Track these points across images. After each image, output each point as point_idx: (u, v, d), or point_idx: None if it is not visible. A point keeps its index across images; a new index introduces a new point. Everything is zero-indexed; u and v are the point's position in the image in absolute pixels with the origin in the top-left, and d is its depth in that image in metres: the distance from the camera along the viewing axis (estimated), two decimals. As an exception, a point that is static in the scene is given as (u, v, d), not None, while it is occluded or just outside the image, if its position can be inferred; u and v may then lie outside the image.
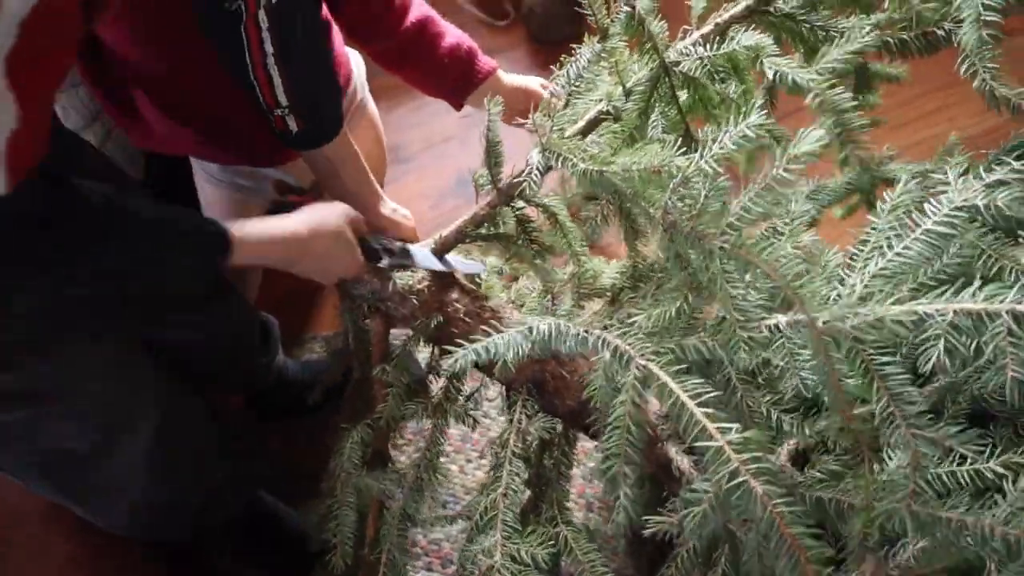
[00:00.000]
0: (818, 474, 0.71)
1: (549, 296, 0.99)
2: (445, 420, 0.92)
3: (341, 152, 0.97)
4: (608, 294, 1.08)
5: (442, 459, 1.38)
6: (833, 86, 0.75)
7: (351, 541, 0.83)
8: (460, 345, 0.94)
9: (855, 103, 0.73)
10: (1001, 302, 0.57)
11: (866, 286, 0.62)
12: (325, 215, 0.90)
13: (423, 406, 0.92)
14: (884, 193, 0.68)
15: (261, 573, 1.28)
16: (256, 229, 0.82)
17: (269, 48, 0.79)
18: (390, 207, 1.06)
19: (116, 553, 1.29)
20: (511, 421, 0.89)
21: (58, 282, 0.68)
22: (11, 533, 1.33)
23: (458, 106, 1.18)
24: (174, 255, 0.76)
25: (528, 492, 0.94)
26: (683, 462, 0.84)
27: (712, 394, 0.64)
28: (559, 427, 0.93)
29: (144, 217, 0.73)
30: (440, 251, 0.97)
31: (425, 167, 1.80)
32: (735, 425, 0.62)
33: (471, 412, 0.95)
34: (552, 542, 0.81)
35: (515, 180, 0.92)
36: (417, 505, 0.86)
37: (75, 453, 0.92)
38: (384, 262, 0.96)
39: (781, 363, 0.67)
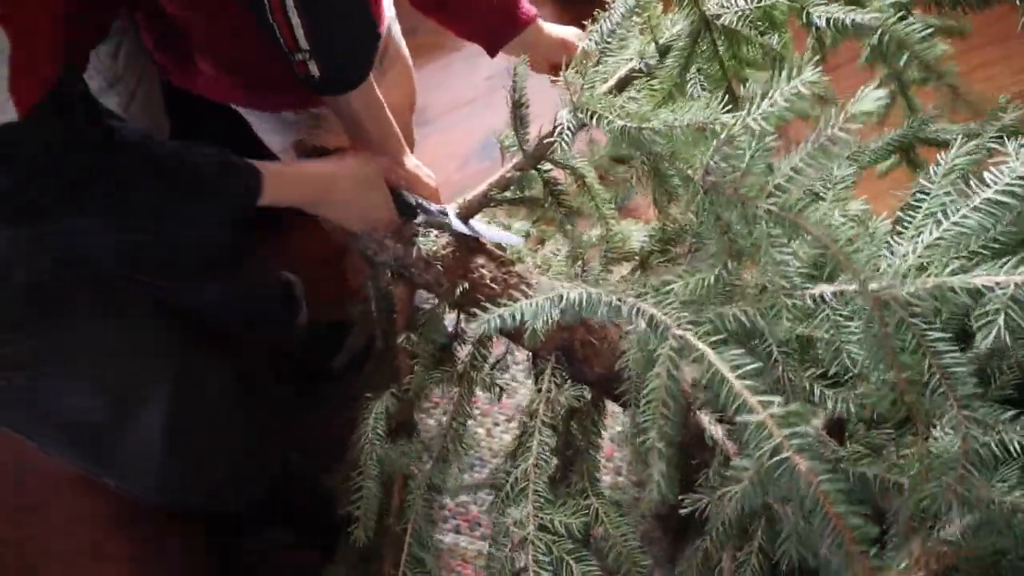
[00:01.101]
0: (860, 448, 0.68)
1: (577, 260, 0.95)
2: (471, 388, 0.89)
3: (366, 99, 0.93)
4: (637, 258, 1.05)
5: (469, 422, 1.38)
6: (902, 19, 0.70)
7: (374, 515, 0.81)
8: (486, 311, 0.93)
9: (931, 30, 0.68)
10: (1067, 273, 0.54)
11: (919, 256, 0.58)
12: (359, 161, 0.92)
13: (448, 374, 0.90)
14: (937, 156, 0.64)
15: (286, 534, 1.27)
16: (287, 167, 0.85)
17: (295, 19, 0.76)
18: (413, 162, 1.03)
19: (151, 518, 1.28)
20: (540, 390, 0.87)
21: (87, 219, 0.69)
22: (47, 498, 1.33)
23: (493, 52, 1.14)
24: (211, 189, 0.77)
25: (556, 461, 0.92)
26: (717, 431, 0.82)
27: (753, 366, 0.62)
28: (588, 395, 0.91)
29: (179, 152, 0.74)
30: (465, 215, 0.94)
31: (450, 129, 1.76)
32: (777, 398, 0.59)
33: (497, 381, 0.93)
34: (584, 512, 0.79)
35: (544, 141, 0.88)
36: (443, 475, 0.84)
37: (92, 424, 0.91)
38: (419, 219, 0.93)
39: (825, 336, 0.64)
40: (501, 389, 0.94)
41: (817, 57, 0.78)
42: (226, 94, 1.06)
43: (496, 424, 1.39)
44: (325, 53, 0.83)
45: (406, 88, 1.26)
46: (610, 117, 0.74)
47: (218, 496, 1.16)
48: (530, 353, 0.94)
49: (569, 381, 0.91)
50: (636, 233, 1.06)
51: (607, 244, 1.02)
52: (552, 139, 0.85)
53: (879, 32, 0.68)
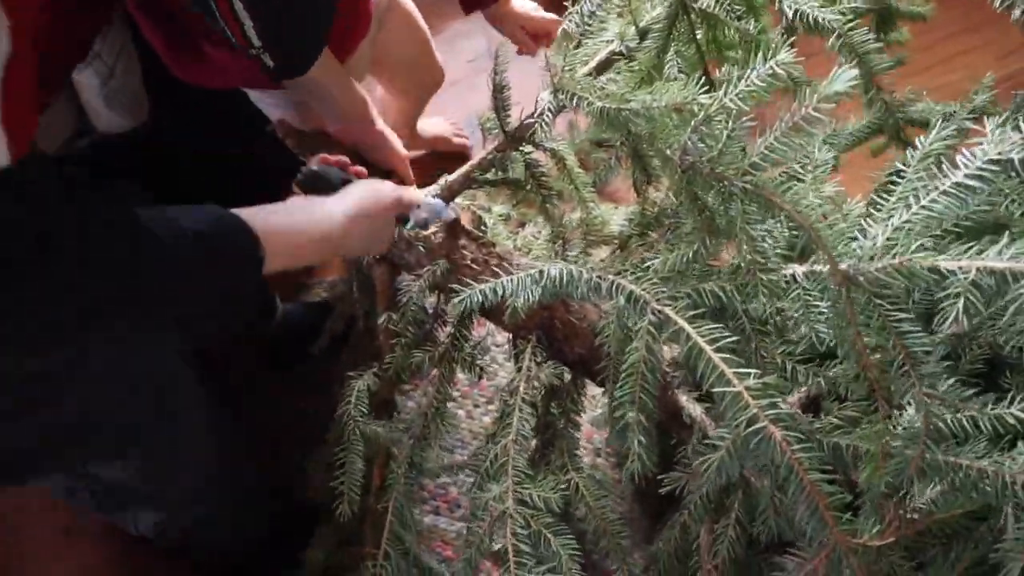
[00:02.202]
0: (834, 420, 0.70)
1: (557, 243, 0.97)
2: (451, 369, 0.90)
3: (324, 70, 0.93)
4: (616, 241, 1.06)
5: (449, 404, 1.39)
6: (856, 27, 0.72)
7: (358, 489, 0.82)
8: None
9: (879, 45, 0.71)
10: (1027, 261, 0.56)
11: (888, 238, 0.60)
12: (374, 201, 0.83)
13: (429, 355, 0.91)
14: (917, 139, 0.66)
15: None
16: (284, 239, 0.74)
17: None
18: (381, 125, 1.02)
19: (138, 562, 1.24)
20: (520, 368, 0.88)
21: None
22: (32, 537, 1.31)
23: (467, 9, 1.17)
24: (214, 277, 0.69)
25: (535, 440, 0.93)
26: (694, 410, 0.83)
27: (730, 339, 0.63)
28: (567, 375, 0.92)
29: (179, 233, 0.65)
30: (447, 196, 0.95)
31: (433, 111, 1.76)
32: (753, 371, 0.61)
33: (477, 361, 0.94)
34: (563, 487, 0.81)
35: (525, 123, 0.89)
36: (424, 454, 0.85)
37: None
38: (409, 225, 0.93)
39: (796, 314, 0.65)
40: (481, 370, 0.95)
41: (791, 40, 0.79)
42: (241, 79, 1.05)
43: (476, 406, 1.40)
44: (278, 45, 0.83)
45: (411, 36, 1.28)
46: (590, 98, 0.75)
47: (222, 537, 1.11)
48: (510, 334, 0.95)
49: (549, 361, 0.92)
50: (615, 217, 1.07)
51: (587, 227, 1.03)
52: (533, 120, 0.86)
53: (836, 34, 0.70)
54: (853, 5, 0.74)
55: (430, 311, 0.97)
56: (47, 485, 0.90)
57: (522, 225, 1.16)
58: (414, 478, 0.88)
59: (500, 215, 1.09)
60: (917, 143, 0.66)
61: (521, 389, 0.85)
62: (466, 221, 1.16)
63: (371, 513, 0.91)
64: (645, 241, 1.04)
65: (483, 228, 1.10)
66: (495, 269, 0.91)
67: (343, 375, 0.96)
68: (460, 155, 1.46)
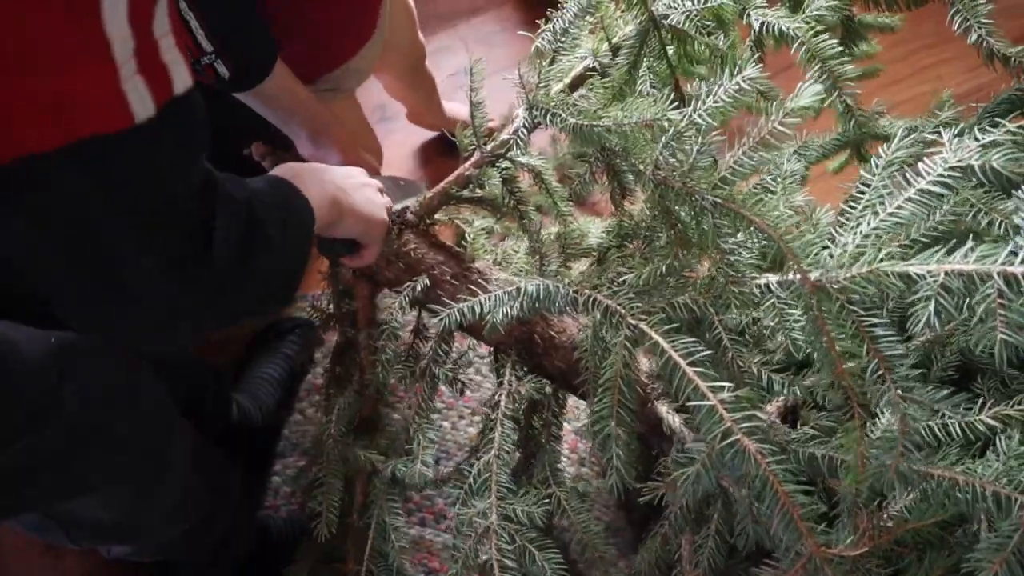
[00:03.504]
0: (810, 430, 0.71)
1: (536, 257, 0.97)
2: (433, 384, 0.91)
3: (282, 83, 0.94)
4: (595, 254, 1.07)
5: (434, 416, 1.39)
6: (818, 34, 0.73)
7: (336, 510, 0.82)
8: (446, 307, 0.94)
9: (840, 50, 0.72)
10: (993, 263, 0.56)
11: (858, 245, 0.61)
12: (343, 168, 0.84)
13: (410, 371, 0.91)
14: (879, 148, 0.67)
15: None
16: (309, 175, 0.74)
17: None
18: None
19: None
20: (501, 383, 0.88)
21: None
22: (15, 551, 1.29)
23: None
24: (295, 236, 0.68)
25: (518, 454, 0.94)
26: (674, 421, 0.84)
27: (704, 353, 0.64)
28: (548, 388, 0.93)
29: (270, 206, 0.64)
30: (425, 213, 0.95)
31: (412, 126, 1.77)
32: (728, 384, 0.62)
33: (459, 376, 0.94)
34: (546, 501, 0.81)
35: (501, 139, 0.90)
36: (406, 470, 0.85)
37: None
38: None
39: (771, 323, 0.66)
40: (463, 384, 0.96)
41: (757, 55, 0.80)
42: None
43: (461, 418, 1.40)
44: (231, 48, 0.83)
45: (409, 21, 1.30)
46: (563, 115, 0.76)
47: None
48: (491, 348, 0.95)
49: (530, 375, 0.93)
50: (593, 229, 1.08)
51: (565, 240, 1.04)
52: (509, 138, 0.87)
53: (799, 42, 0.72)
54: (816, 14, 0.75)
55: (411, 327, 0.98)
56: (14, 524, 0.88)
57: (504, 238, 1.16)
58: (397, 494, 0.88)
59: (481, 228, 1.09)
60: (880, 152, 0.68)
61: (502, 404, 0.86)
62: (448, 235, 1.17)
63: (353, 529, 0.91)
64: (623, 253, 1.05)
65: (464, 242, 1.11)
66: (474, 285, 0.92)
67: (326, 392, 0.96)
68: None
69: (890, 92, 1.73)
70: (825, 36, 0.71)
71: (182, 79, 0.50)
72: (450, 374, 0.91)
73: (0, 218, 0.48)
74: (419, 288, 0.91)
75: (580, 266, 1.07)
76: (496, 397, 0.86)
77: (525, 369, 0.91)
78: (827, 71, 0.70)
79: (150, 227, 0.52)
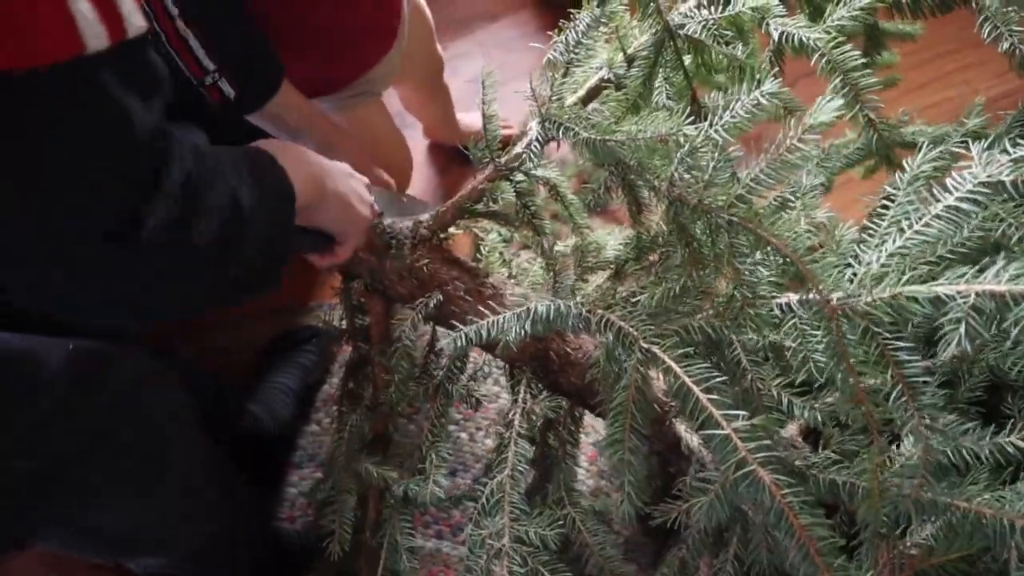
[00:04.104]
0: (831, 455, 0.69)
1: (552, 271, 0.95)
2: (448, 400, 0.89)
3: (288, 100, 0.93)
4: (612, 267, 1.05)
5: (451, 427, 1.38)
6: (840, 45, 0.71)
7: (349, 529, 0.81)
8: (461, 324, 0.92)
9: (863, 61, 0.69)
10: (1027, 282, 0.54)
11: (883, 265, 0.58)
12: (321, 157, 0.80)
13: (424, 387, 0.90)
14: (904, 162, 0.64)
15: None
16: (288, 153, 0.71)
17: (173, 9, 0.74)
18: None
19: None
20: (515, 400, 0.87)
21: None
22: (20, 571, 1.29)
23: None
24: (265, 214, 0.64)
25: (533, 472, 0.92)
26: (692, 441, 0.82)
27: (718, 379, 0.62)
28: (565, 406, 0.91)
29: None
30: (439, 227, 0.94)
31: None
32: (742, 412, 0.60)
33: (474, 392, 0.93)
34: (560, 523, 0.79)
35: (514, 152, 0.88)
36: (418, 489, 0.84)
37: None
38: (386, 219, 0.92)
39: (792, 344, 0.64)
40: (477, 401, 0.94)
41: (775, 69, 0.78)
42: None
43: (479, 429, 1.39)
44: (234, 64, 0.81)
45: (426, 32, 1.31)
46: (576, 129, 0.74)
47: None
48: (506, 364, 0.94)
49: (545, 391, 0.91)
50: (611, 241, 1.06)
51: (581, 253, 1.02)
52: (522, 151, 0.85)
53: (819, 53, 0.69)
54: (838, 23, 0.73)
55: (425, 342, 0.97)
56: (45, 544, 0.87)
57: (523, 247, 1.14)
58: (410, 512, 0.87)
59: (499, 239, 1.08)
60: (905, 165, 0.65)
61: (516, 423, 0.84)
62: (466, 242, 1.15)
63: (366, 547, 0.90)
64: (641, 266, 1.03)
65: (479, 255, 1.09)
66: (488, 302, 0.90)
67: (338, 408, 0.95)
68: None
69: (915, 98, 1.69)
70: (847, 47, 0.68)
71: (136, 22, 0.48)
72: (463, 391, 0.90)
73: None
74: (432, 304, 0.90)
75: (597, 279, 1.05)
76: (510, 415, 0.85)
77: (540, 386, 0.90)
78: (849, 83, 0.68)
79: (91, 173, 0.49)
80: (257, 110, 0.90)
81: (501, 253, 1.13)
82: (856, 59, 0.68)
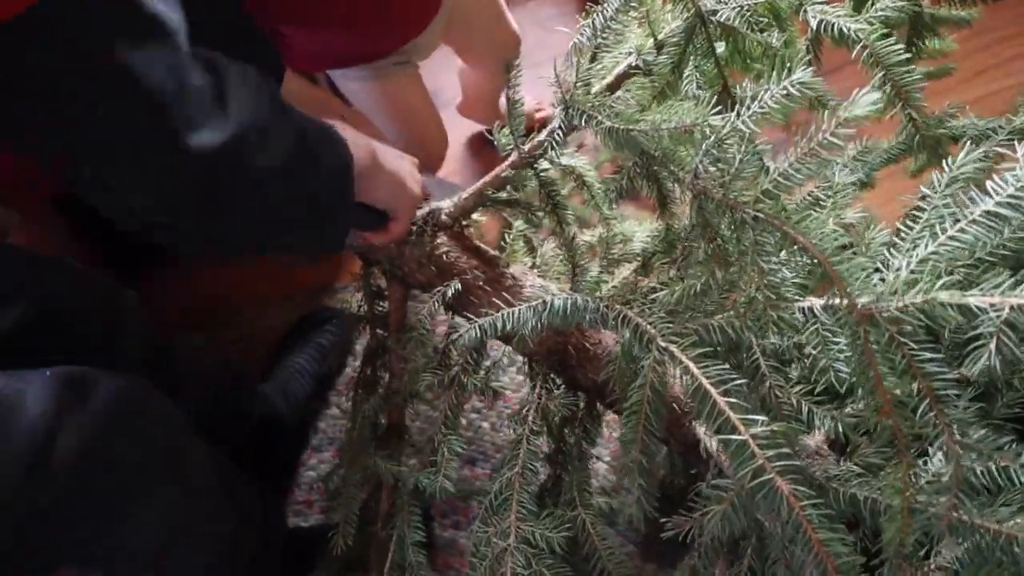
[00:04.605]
0: (855, 467, 0.65)
1: (573, 263, 0.93)
2: (462, 394, 0.87)
3: (291, 88, 0.91)
4: (639, 259, 1.02)
5: (473, 415, 1.36)
6: (885, 36, 0.67)
7: (354, 522, 0.80)
8: (480, 314, 0.90)
9: (908, 56, 0.65)
10: (1069, 295, 0.50)
11: (913, 271, 0.55)
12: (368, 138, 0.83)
13: (440, 378, 0.88)
14: (945, 163, 0.61)
15: None
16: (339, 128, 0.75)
17: None
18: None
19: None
20: (531, 394, 0.84)
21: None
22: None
23: None
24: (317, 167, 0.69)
25: (548, 469, 0.90)
26: (711, 443, 0.79)
27: (737, 382, 0.59)
28: (582, 403, 0.89)
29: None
30: (459, 215, 0.92)
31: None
32: (761, 418, 0.57)
33: (492, 384, 0.90)
34: (569, 525, 0.77)
35: (538, 140, 0.86)
36: (429, 483, 0.82)
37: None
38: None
39: (813, 351, 0.61)
40: (495, 393, 0.92)
41: (809, 57, 0.74)
42: (332, 60, 1.09)
43: (500, 418, 1.36)
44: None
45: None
46: (599, 117, 0.71)
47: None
48: (525, 357, 0.92)
49: (563, 386, 0.89)
50: (639, 233, 1.03)
51: (607, 244, 0.99)
52: (545, 139, 0.82)
53: (860, 45, 0.65)
54: (882, 14, 0.69)
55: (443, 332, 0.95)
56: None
57: (552, 232, 1.11)
58: (420, 505, 0.85)
59: (525, 227, 1.05)
60: (944, 167, 0.61)
61: (530, 419, 0.82)
62: (494, 227, 1.13)
63: (377, 538, 0.89)
64: (668, 259, 1.00)
65: (504, 243, 1.07)
66: (507, 292, 0.88)
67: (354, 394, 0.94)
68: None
69: (970, 87, 1.62)
70: (891, 40, 0.64)
71: None
72: (480, 384, 0.87)
73: None
74: (450, 293, 0.88)
75: (623, 271, 1.02)
76: (524, 411, 0.83)
77: (558, 382, 0.87)
78: (891, 79, 0.64)
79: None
80: None
81: (529, 239, 1.10)
82: (900, 53, 0.63)
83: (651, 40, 0.82)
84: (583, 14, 0.81)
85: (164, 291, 1.37)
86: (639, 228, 1.03)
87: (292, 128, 0.66)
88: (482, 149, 1.69)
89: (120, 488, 0.75)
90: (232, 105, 0.59)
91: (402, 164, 0.84)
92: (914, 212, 0.63)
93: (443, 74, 1.63)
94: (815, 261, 0.56)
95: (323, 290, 1.45)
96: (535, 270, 1.02)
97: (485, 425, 1.35)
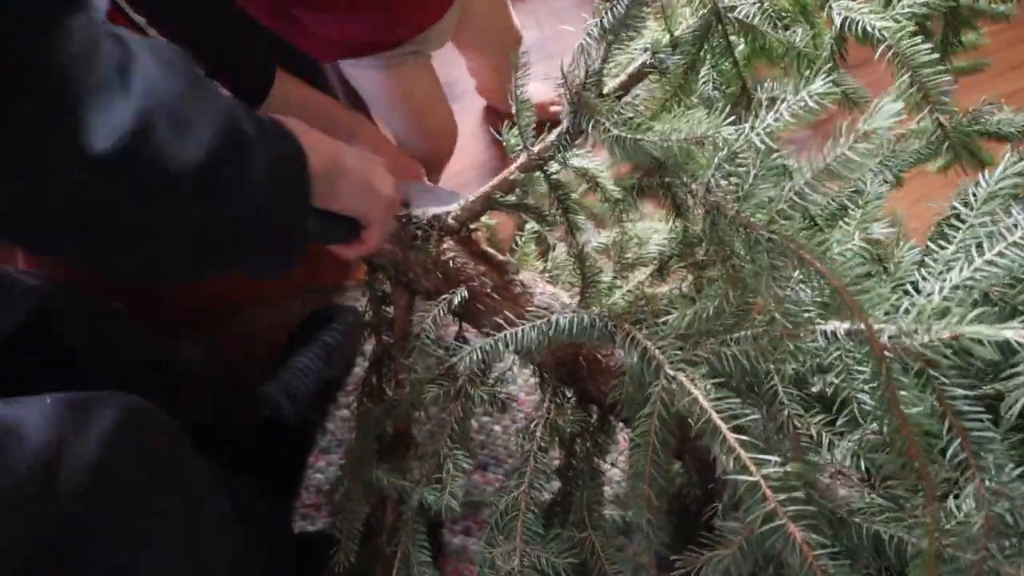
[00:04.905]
0: (879, 500, 0.61)
1: (583, 273, 0.89)
2: (470, 404, 0.84)
3: (284, 90, 0.88)
4: (655, 263, 0.98)
5: (485, 419, 1.33)
6: (915, 34, 0.61)
7: (356, 539, 0.77)
8: (486, 322, 0.87)
9: (938, 55, 0.60)
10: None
11: (945, 297, 0.50)
12: (341, 142, 0.73)
13: (445, 389, 0.85)
14: (981, 177, 0.56)
15: None
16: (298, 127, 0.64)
17: (139, 18, 0.69)
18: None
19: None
20: (540, 408, 0.81)
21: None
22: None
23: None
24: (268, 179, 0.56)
25: (559, 485, 0.87)
26: (729, 464, 0.75)
27: (751, 416, 0.55)
28: (593, 417, 0.85)
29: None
30: (466, 218, 0.88)
31: (478, 105, 1.69)
32: (774, 458, 0.53)
33: (499, 395, 0.87)
34: (577, 550, 0.74)
35: (548, 141, 0.82)
36: (433, 500, 0.79)
37: None
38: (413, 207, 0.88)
39: (835, 380, 0.57)
40: (504, 403, 0.89)
41: (829, 59, 0.69)
42: (346, 48, 1.06)
43: (514, 421, 1.33)
44: (223, 68, 0.78)
45: None
46: (606, 124, 0.67)
47: None
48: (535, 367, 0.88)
49: (574, 398, 0.85)
50: (655, 236, 0.99)
51: (621, 248, 0.95)
52: (554, 140, 0.78)
53: (885, 44, 0.60)
54: (909, 11, 0.63)
55: (450, 339, 0.91)
56: None
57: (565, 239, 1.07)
58: (425, 523, 0.83)
59: (533, 232, 1.01)
60: (981, 181, 0.56)
61: (538, 435, 0.79)
62: (510, 227, 1.09)
63: (382, 552, 0.86)
64: (687, 261, 0.95)
65: (515, 245, 1.03)
66: (515, 301, 0.84)
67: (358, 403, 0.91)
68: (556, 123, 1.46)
69: (1005, 81, 1.54)
70: (918, 40, 0.59)
71: None
72: (486, 396, 0.84)
73: None
74: (456, 301, 0.85)
75: (638, 275, 0.98)
76: (532, 427, 0.79)
77: (568, 394, 0.84)
78: (918, 80, 0.59)
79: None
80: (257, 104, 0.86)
81: (545, 237, 1.06)
82: (927, 53, 0.58)
83: (667, 36, 0.77)
84: (599, 4, 0.76)
85: (164, 291, 1.35)
86: (654, 230, 0.99)
87: (220, 116, 0.53)
88: (496, 141, 1.65)
89: (128, 515, 0.73)
90: (135, 82, 0.47)
91: (368, 164, 0.75)
92: (946, 228, 0.58)
93: (457, 67, 1.59)
94: (833, 290, 0.51)
95: (337, 287, 1.43)
96: (546, 274, 0.98)
97: (497, 428, 1.32)
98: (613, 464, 1.17)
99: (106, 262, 0.54)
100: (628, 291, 0.95)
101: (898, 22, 0.59)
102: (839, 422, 0.61)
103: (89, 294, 0.85)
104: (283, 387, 1.20)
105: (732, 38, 0.71)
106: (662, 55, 0.77)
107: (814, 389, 0.64)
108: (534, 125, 0.83)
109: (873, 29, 0.60)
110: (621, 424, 0.93)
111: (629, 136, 0.63)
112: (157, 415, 0.75)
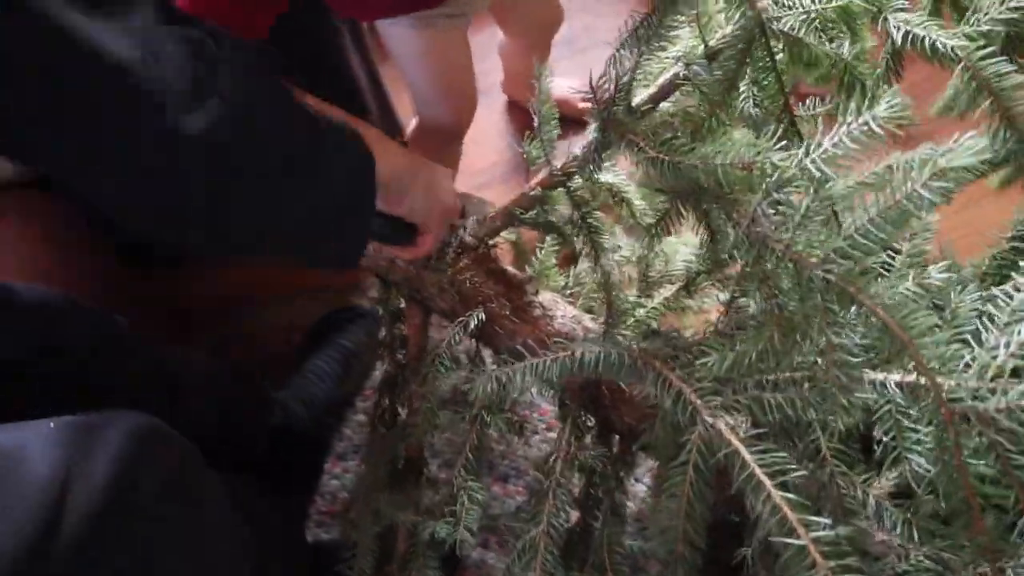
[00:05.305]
0: (927, 561, 0.56)
1: (607, 296, 0.84)
2: (484, 434, 0.80)
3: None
4: (682, 279, 0.93)
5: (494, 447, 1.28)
6: (989, 56, 0.56)
7: (368, 570, 0.73)
8: (503, 345, 0.82)
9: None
10: None
11: (1013, 354, 0.46)
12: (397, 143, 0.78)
13: (460, 416, 0.80)
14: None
15: None
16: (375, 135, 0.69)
17: None
18: None
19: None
20: (559, 443, 0.77)
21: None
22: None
23: None
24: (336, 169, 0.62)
25: (579, 516, 0.82)
26: (758, 504, 0.71)
27: (798, 473, 0.50)
28: (615, 449, 0.80)
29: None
30: (484, 235, 0.83)
31: (504, 100, 1.64)
32: (825, 520, 0.48)
33: (515, 420, 0.83)
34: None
35: (572, 156, 0.77)
36: (446, 535, 0.75)
37: None
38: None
39: (885, 438, 0.52)
40: (521, 427, 0.85)
41: (886, 75, 0.64)
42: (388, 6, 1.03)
43: (535, 432, 1.29)
44: None
45: None
46: (640, 144, 0.62)
47: None
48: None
49: (596, 427, 0.81)
50: (683, 250, 0.94)
51: (646, 264, 0.91)
52: (579, 158, 0.74)
53: (961, 65, 0.54)
54: (984, 28, 0.58)
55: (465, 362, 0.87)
56: None
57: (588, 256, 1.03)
58: (436, 557, 0.79)
59: (553, 247, 0.96)
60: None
61: (557, 470, 0.74)
62: (532, 234, 1.04)
63: (394, 583, 0.83)
64: (716, 278, 0.91)
65: (536, 258, 0.99)
66: (535, 324, 0.80)
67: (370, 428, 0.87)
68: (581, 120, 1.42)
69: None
70: (1002, 60, 0.53)
71: None
72: (503, 423, 0.80)
73: None
74: (472, 324, 0.80)
75: (664, 292, 0.93)
76: (551, 461, 0.75)
77: (590, 423, 0.80)
78: (998, 107, 0.53)
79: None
80: None
81: (568, 253, 1.01)
82: (1014, 77, 0.53)
83: (701, 47, 0.72)
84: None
85: (167, 291, 1.31)
86: (683, 244, 0.94)
87: (299, 118, 0.58)
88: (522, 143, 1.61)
89: (140, 537, 0.70)
90: (219, 84, 0.51)
91: (436, 173, 0.78)
92: (1006, 269, 0.54)
93: (487, 59, 1.54)
94: (897, 343, 0.47)
95: (357, 287, 1.38)
96: (567, 291, 0.94)
97: (517, 440, 1.28)
98: (637, 479, 1.12)
99: (229, 237, 0.59)
100: (654, 308, 0.91)
101: (973, 39, 0.54)
102: (883, 479, 0.56)
103: (90, 307, 0.81)
104: (297, 392, 1.16)
105: (776, 53, 0.66)
106: (696, 67, 0.72)
107: (856, 444, 0.60)
108: (557, 136, 0.79)
109: (944, 46, 0.55)
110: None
111: (668, 159, 0.58)
112: (166, 432, 0.72)
